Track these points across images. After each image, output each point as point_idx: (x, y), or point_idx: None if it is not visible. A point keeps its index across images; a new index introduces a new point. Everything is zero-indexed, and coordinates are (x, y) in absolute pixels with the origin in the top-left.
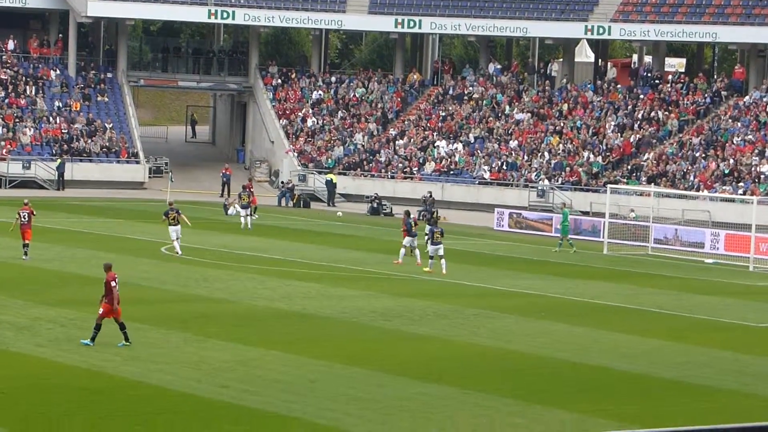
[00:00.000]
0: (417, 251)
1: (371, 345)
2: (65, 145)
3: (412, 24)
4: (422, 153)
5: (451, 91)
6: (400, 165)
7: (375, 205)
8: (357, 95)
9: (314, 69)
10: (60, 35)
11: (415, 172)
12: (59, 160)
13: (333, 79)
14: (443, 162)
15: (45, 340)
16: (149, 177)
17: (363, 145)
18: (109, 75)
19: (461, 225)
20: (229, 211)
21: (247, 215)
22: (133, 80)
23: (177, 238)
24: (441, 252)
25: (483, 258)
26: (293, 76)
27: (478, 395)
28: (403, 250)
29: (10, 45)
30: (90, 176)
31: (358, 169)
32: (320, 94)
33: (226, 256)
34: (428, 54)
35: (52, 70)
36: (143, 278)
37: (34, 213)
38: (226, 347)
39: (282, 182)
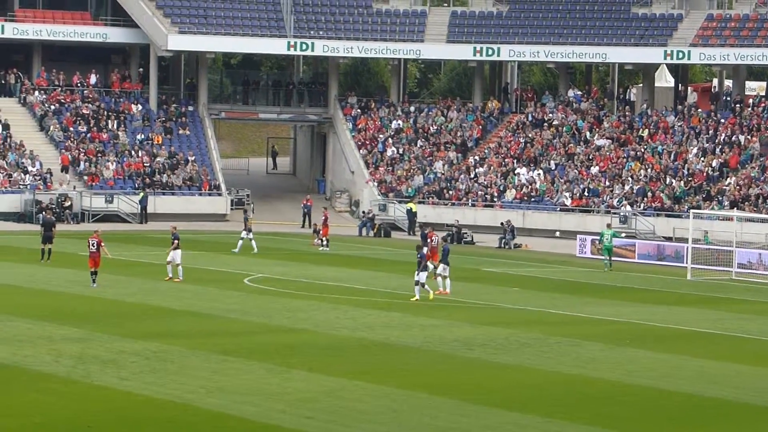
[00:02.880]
0: (447, 281)
1: (454, 374)
2: (147, 179)
3: (490, 52)
4: (502, 180)
5: (530, 118)
6: (480, 193)
7: (454, 233)
8: (436, 124)
9: (393, 98)
10: (141, 69)
11: (495, 200)
12: (142, 194)
13: (412, 108)
14: (524, 189)
15: (130, 373)
16: (231, 209)
17: (443, 174)
18: (190, 108)
19: (543, 252)
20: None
21: (251, 239)
22: (214, 113)
23: (178, 264)
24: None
25: (566, 285)
26: (372, 106)
27: (562, 423)
28: (417, 287)
29: (92, 80)
30: (172, 209)
31: (438, 198)
32: (399, 124)
33: (308, 286)
34: (507, 81)
35: (133, 104)
36: (227, 309)
37: (103, 243)
38: (309, 378)
39: (363, 212)
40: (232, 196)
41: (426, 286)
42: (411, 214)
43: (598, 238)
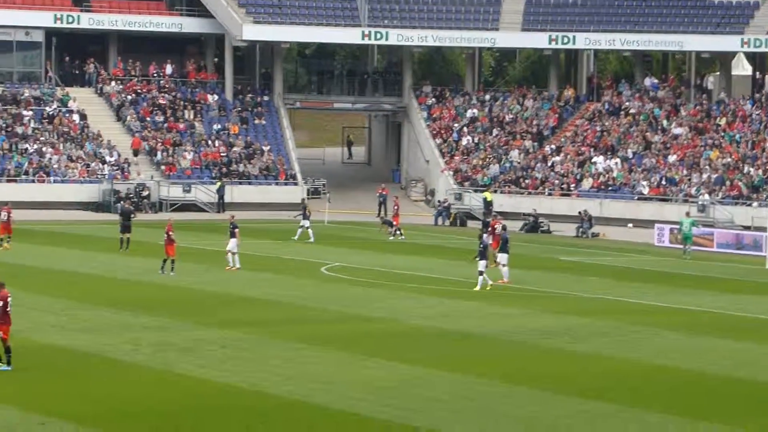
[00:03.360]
0: (505, 269)
1: (531, 363)
2: (224, 168)
3: (566, 40)
4: (579, 169)
5: (607, 107)
6: (557, 182)
7: (531, 222)
8: (512, 112)
9: (468, 87)
10: (216, 59)
11: (572, 189)
12: (219, 183)
13: (487, 96)
14: (600, 178)
15: (208, 360)
16: (307, 198)
17: (519, 162)
18: (266, 98)
19: (621, 241)
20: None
21: (308, 227)
22: (290, 103)
23: (236, 252)
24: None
25: (644, 274)
26: (447, 94)
27: (641, 412)
28: (480, 278)
29: (168, 69)
30: (249, 198)
31: (515, 187)
32: (475, 113)
33: (384, 275)
34: (583, 69)
35: (209, 94)
36: (304, 298)
37: (171, 232)
38: (386, 366)
39: (438, 201)
40: (307, 186)
41: (485, 276)
42: (487, 203)
43: (678, 227)
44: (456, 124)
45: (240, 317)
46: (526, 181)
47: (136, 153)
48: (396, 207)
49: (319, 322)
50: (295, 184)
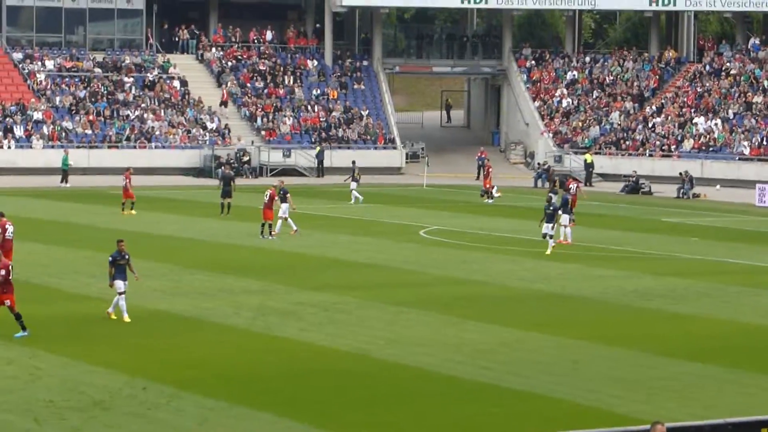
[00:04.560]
0: (567, 229)
1: (632, 325)
2: (323, 133)
3: (666, 1)
4: (680, 130)
5: (708, 68)
6: (658, 143)
7: (632, 183)
8: (612, 74)
9: (568, 49)
10: (317, 25)
11: (673, 150)
12: (318, 148)
13: (587, 59)
14: (701, 139)
15: (309, 324)
16: (406, 162)
17: (619, 124)
18: (365, 63)
19: (722, 202)
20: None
21: (354, 189)
22: (389, 67)
23: (286, 217)
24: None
25: (745, 235)
26: (547, 57)
27: (743, 374)
28: (551, 241)
29: (268, 36)
30: (348, 163)
31: (615, 148)
32: (574, 75)
33: (483, 238)
34: (684, 30)
35: (309, 60)
36: (403, 261)
37: (277, 197)
38: (486, 329)
39: (538, 163)
40: (406, 150)
41: (563, 234)
42: (587, 165)
43: None
44: (556, 87)
45: (340, 281)
46: (627, 142)
47: (224, 104)
48: (487, 170)
49: (419, 285)
50: (394, 148)
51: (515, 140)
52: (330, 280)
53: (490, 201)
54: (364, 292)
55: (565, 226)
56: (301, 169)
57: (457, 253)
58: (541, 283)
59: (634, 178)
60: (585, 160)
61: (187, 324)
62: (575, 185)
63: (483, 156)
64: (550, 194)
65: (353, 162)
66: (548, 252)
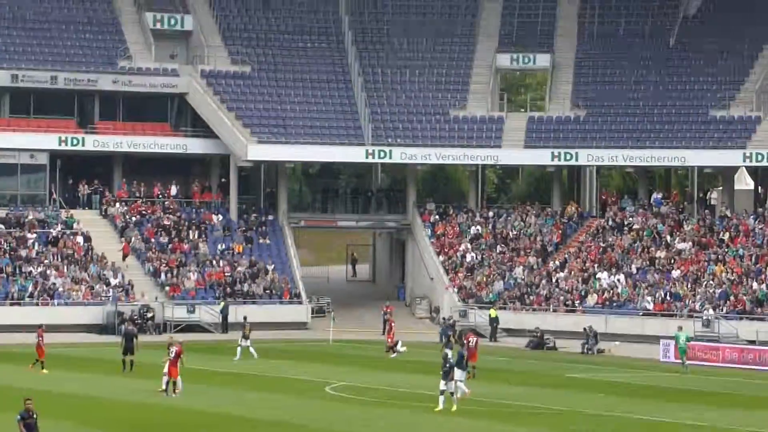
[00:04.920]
0: (461, 384)
1: None
2: (228, 288)
3: (568, 157)
4: (584, 285)
5: (610, 222)
6: (561, 298)
7: (536, 339)
8: (515, 229)
9: (472, 204)
10: (222, 179)
11: (577, 305)
12: (222, 303)
13: (491, 213)
14: (605, 294)
15: None
16: (312, 317)
17: (523, 279)
18: (270, 218)
19: (627, 357)
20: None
21: (249, 346)
22: (294, 222)
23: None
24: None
25: (649, 390)
26: (451, 212)
27: None
28: (442, 398)
29: (173, 191)
30: (253, 318)
31: (520, 303)
32: (478, 229)
33: (389, 393)
34: (586, 185)
35: (214, 215)
36: (310, 419)
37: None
38: None
39: (443, 318)
40: (312, 304)
41: (459, 391)
42: (492, 320)
43: (673, 341)
44: (460, 241)
45: None
46: (531, 297)
47: (125, 257)
48: (390, 324)
49: None
50: (300, 303)
51: (420, 295)
52: None
53: (394, 355)
54: None
55: (461, 381)
56: (205, 324)
57: (362, 409)
58: None
59: (538, 334)
60: (490, 315)
61: None
62: (474, 339)
63: (389, 310)
64: (446, 350)
65: (245, 318)
66: (438, 408)
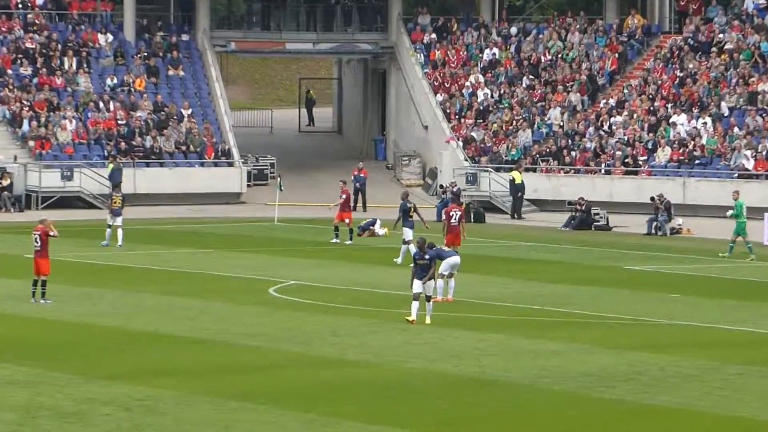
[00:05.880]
0: (451, 281)
1: (587, 424)
2: (123, 143)
3: None
4: (651, 135)
5: (691, 41)
6: (618, 153)
7: (580, 214)
8: (550, 53)
9: (485, 17)
10: None
11: (641, 164)
12: (111, 165)
13: (513, 30)
14: (683, 147)
15: (101, 431)
16: (248, 186)
17: (561, 127)
18: (185, 38)
19: (712, 240)
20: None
21: (120, 225)
22: (221, 44)
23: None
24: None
25: (749, 289)
26: (454, 28)
27: None
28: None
29: (39, 0)
30: (161, 188)
31: (556, 163)
32: (495, 54)
33: (361, 297)
34: None
35: (101, 34)
36: (246, 334)
37: (52, 234)
38: None
39: (441, 186)
40: (249, 167)
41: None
42: (515, 188)
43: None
44: (468, 72)
45: (151, 365)
46: (573, 153)
47: None
48: (347, 197)
49: (268, 368)
50: (231, 165)
51: (409, 152)
52: (135, 363)
53: (349, 242)
54: (186, 380)
55: (443, 276)
56: (88, 197)
57: (323, 319)
58: (448, 362)
59: (582, 206)
60: (512, 180)
61: None
62: (458, 213)
63: (362, 175)
64: (419, 238)
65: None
66: (411, 318)
